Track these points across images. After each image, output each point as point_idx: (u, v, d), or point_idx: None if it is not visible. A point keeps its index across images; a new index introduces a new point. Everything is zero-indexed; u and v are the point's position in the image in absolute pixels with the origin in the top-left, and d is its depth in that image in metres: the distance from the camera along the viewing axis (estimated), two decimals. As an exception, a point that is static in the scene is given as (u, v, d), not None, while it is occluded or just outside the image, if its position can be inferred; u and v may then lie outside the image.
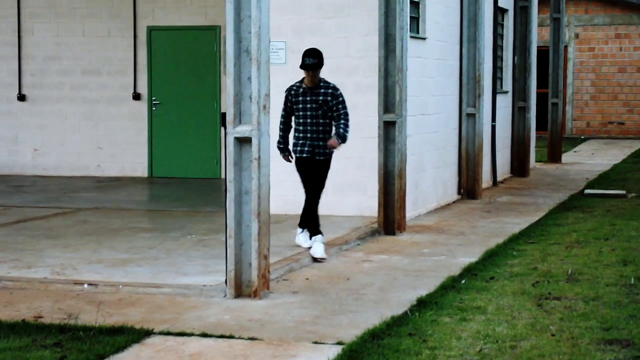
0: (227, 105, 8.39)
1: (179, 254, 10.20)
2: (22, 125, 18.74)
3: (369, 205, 12.59)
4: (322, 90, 10.01)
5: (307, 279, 9.20)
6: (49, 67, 18.60)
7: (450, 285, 8.82)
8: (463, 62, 15.68)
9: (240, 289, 8.36)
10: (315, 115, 10.03)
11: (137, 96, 18.18)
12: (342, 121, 10.00)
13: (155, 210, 14.22)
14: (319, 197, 10.32)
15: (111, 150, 18.37)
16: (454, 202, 15.36)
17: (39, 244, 10.74)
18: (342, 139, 10.00)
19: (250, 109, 8.31)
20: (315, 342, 6.95)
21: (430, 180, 14.33)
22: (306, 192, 10.27)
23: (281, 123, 10.26)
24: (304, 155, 10.11)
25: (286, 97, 10.13)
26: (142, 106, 18.21)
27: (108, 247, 10.56)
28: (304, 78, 10.07)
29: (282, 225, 11.68)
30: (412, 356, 6.55)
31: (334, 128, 10.10)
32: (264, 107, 8.33)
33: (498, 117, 17.97)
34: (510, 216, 13.70)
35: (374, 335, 7.03)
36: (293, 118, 10.21)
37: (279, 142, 10.23)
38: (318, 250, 10.05)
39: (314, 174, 10.17)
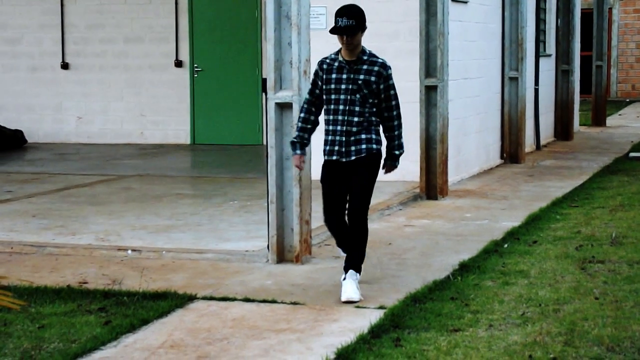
0: (268, 71, 8.39)
1: (222, 220, 10.24)
2: (66, 94, 18.86)
3: (410, 170, 12.55)
4: (365, 67, 7.06)
5: (349, 244, 9.19)
6: (92, 35, 18.67)
7: (493, 250, 8.79)
8: (505, 26, 15.53)
9: (282, 254, 8.39)
10: (350, 100, 7.06)
11: (179, 63, 18.21)
12: (396, 122, 7.20)
13: (197, 176, 14.28)
14: (364, 219, 7.21)
15: (154, 117, 18.44)
16: (496, 166, 15.27)
17: (83, 211, 10.83)
18: (399, 157, 7.32)
19: (290, 74, 8.30)
20: (358, 307, 6.96)
21: (472, 144, 14.25)
22: (336, 213, 7.28)
23: (303, 109, 7.30)
24: (333, 157, 7.16)
25: (316, 73, 7.21)
26: (184, 73, 18.25)
27: (151, 214, 10.62)
28: (340, 49, 7.19)
29: (324, 191, 11.66)
30: (455, 320, 6.54)
31: (383, 136, 7.25)
32: (305, 72, 8.32)
33: (541, 80, 17.80)
34: (553, 180, 13.60)
35: (415, 299, 7.03)
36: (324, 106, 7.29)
37: (294, 137, 7.36)
38: (348, 289, 7.14)
39: (350, 183, 7.17)
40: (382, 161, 7.21)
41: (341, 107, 7.10)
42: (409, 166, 12.61)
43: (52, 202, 11.59)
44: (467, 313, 6.70)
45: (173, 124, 18.33)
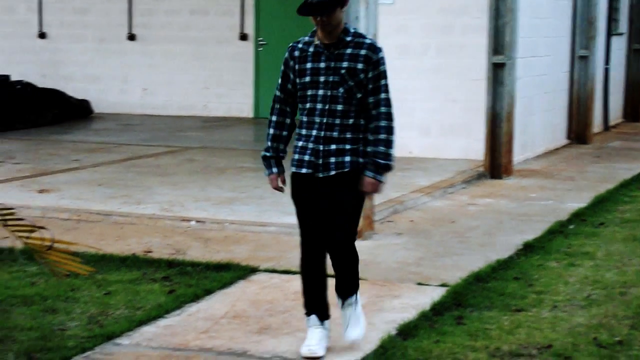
0: (335, 45, 8.35)
1: (285, 193, 10.23)
2: (132, 65, 19.00)
3: (475, 149, 12.46)
4: (350, 51, 5.36)
5: (411, 220, 9.18)
6: (158, 6, 18.77)
7: (558, 230, 8.70)
8: (577, 3, 15.29)
9: (345, 229, 8.37)
10: (332, 97, 5.36)
11: (243, 36, 18.24)
12: (383, 122, 5.41)
13: (260, 150, 14.27)
14: (351, 249, 5.55)
15: (217, 90, 18.51)
16: (563, 146, 15.09)
17: (147, 181, 10.92)
18: (385, 169, 5.48)
19: (357, 49, 8.26)
20: (419, 284, 6.95)
21: (538, 124, 14.09)
22: (310, 244, 5.56)
23: (273, 111, 5.59)
24: (303, 170, 5.46)
25: (286, 62, 5.54)
26: (249, 46, 18.26)
27: (214, 186, 10.68)
28: (315, 30, 5.46)
29: (387, 167, 11.62)
30: (518, 300, 6.49)
31: (368, 143, 5.46)
32: (372, 47, 8.27)
33: (612, 59, 17.52)
34: (621, 162, 13.41)
35: (478, 278, 6.99)
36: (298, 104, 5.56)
37: (266, 150, 5.72)
38: (355, 331, 5.61)
39: (327, 206, 5.45)
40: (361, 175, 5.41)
41: (319, 106, 5.35)
42: (474, 144, 12.53)
43: (118, 171, 11.70)
44: (530, 293, 6.65)
45: (236, 97, 18.39)
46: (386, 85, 5.39)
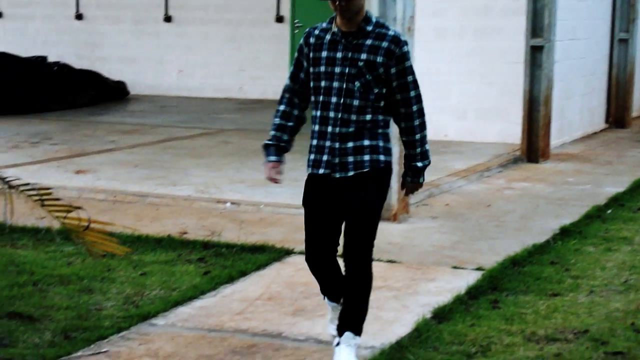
0: (371, 27, 8.31)
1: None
2: (168, 47, 19.04)
3: (512, 132, 12.38)
4: (370, 42, 4.85)
5: (447, 204, 9.14)
6: (195, -11, 18.79)
7: (595, 215, 8.63)
8: (617, -15, 15.14)
9: (381, 212, 8.35)
10: (347, 90, 4.86)
11: (279, 19, 18.22)
12: (417, 121, 4.98)
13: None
14: (368, 262, 5.05)
15: (253, 72, 18.51)
16: (601, 130, 14.96)
17: (183, 163, 10.95)
18: (424, 170, 5.18)
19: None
20: (455, 267, 6.92)
21: (576, 107, 13.98)
22: (322, 251, 5.07)
23: (282, 100, 5.14)
24: (321, 171, 4.97)
25: (300, 49, 5.06)
26: (284, 29, 18.24)
27: (250, 168, 10.69)
28: (334, 17, 4.96)
29: (423, 150, 11.57)
30: (554, 284, 6.45)
31: (404, 144, 5.07)
32: (409, 29, 8.23)
33: (651, 43, 17.33)
34: (659, 147, 13.29)
35: (514, 262, 6.95)
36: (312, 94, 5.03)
37: (268, 139, 5.24)
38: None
39: (347, 209, 4.95)
40: (401, 178, 5.21)
41: (334, 99, 4.86)
42: (511, 128, 12.45)
43: (154, 153, 11.75)
44: (567, 278, 6.61)
45: (272, 80, 18.36)
46: (415, 82, 4.88)
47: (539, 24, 11.54)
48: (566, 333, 5.50)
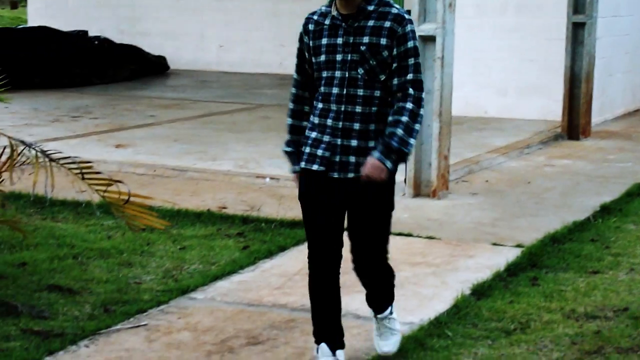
0: (412, 3, 8.28)
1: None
2: (208, 22, 19.06)
3: (552, 109, 12.28)
4: (372, 23, 4.40)
5: (486, 181, 9.10)
6: (235, -36, 18.77)
7: (636, 193, 8.55)
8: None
9: (419, 189, 8.34)
10: (350, 79, 4.41)
11: (320, -6, 18.16)
12: (410, 105, 4.34)
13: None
14: (385, 264, 4.76)
15: (293, 48, 18.31)
16: (642, 108, 14.82)
17: (223, 138, 10.98)
18: (397, 155, 4.36)
19: (435, 6, 8.17)
20: (494, 244, 6.89)
21: (618, 85, 13.83)
22: (322, 257, 4.60)
23: (292, 97, 4.67)
24: (314, 167, 4.49)
25: (300, 38, 4.63)
26: (325, 3, 18.17)
27: (289, 143, 10.68)
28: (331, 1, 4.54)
29: (463, 127, 11.54)
30: (594, 262, 6.41)
31: (388, 124, 4.38)
32: (450, 5, 8.18)
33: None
34: (702, 124, 13.13)
35: (554, 240, 6.91)
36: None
37: (287, 144, 4.74)
38: (387, 345, 4.84)
39: (351, 216, 4.55)
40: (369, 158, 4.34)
41: (335, 90, 4.38)
42: (551, 105, 12.35)
43: (193, 127, 11.79)
44: (607, 255, 6.56)
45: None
46: (417, 65, 4.33)
47: (580, 0, 11.42)
48: (606, 311, 5.47)
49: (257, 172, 9.08)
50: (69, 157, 5.46)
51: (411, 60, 4.34)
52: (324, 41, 4.43)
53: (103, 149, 10.12)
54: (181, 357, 4.80)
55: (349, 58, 4.37)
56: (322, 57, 4.43)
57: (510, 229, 7.32)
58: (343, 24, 4.39)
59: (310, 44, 4.48)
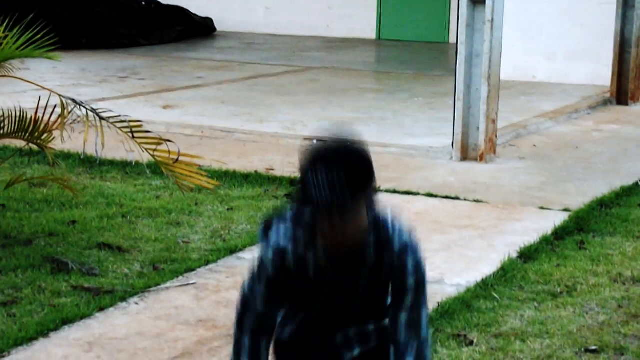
0: (462, -36, 8.22)
1: (406, 115, 10.21)
2: (255, -16, 19.02)
3: (601, 74, 12.15)
4: (371, 261, 2.99)
5: (534, 145, 9.05)
6: None
7: (686, 159, 8.48)
8: None
9: (467, 152, 8.32)
10: (341, 317, 3.11)
11: (367, -43, 18.06)
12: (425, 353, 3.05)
13: (382, 72, 14.26)
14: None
15: (340, 11, 18.41)
16: (693, 73, 14.61)
17: (270, 100, 11.00)
18: None
19: (485, -32, 8.12)
20: (541, 208, 6.87)
21: (669, 49, 13.64)
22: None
23: (243, 327, 3.14)
24: None
25: (268, 271, 3.01)
26: (372, -33, 18.09)
27: (336, 106, 10.70)
28: (313, 227, 2.92)
29: (510, 92, 11.45)
30: (642, 227, 6.38)
31: None
32: (499, -33, 8.11)
33: None
34: None
35: (602, 204, 6.88)
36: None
37: None
38: None
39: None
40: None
41: (323, 325, 3.10)
42: (600, 70, 12.22)
43: (241, 89, 11.82)
44: (655, 220, 6.52)
45: (359, 19, 18.27)
46: (426, 297, 3.06)
47: (633, -38, 11.27)
48: (654, 276, 5.44)
49: (304, 134, 9.09)
50: (119, 115, 5.52)
51: (423, 295, 3.05)
52: (307, 278, 3.00)
53: (150, 110, 10.18)
54: (230, 315, 4.84)
55: (341, 296, 3.05)
56: (304, 294, 3.08)
57: (558, 193, 7.29)
58: (331, 267, 2.98)
59: (286, 279, 3.01)
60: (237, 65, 14.04)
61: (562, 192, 7.33)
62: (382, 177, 7.58)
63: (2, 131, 5.71)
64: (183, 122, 9.51)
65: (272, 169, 7.81)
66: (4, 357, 4.31)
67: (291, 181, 7.38)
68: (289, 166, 7.90)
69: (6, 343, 4.42)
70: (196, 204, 6.74)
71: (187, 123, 9.48)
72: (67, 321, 4.70)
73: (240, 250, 5.85)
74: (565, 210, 6.75)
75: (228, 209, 6.66)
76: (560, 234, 6.16)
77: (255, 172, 7.63)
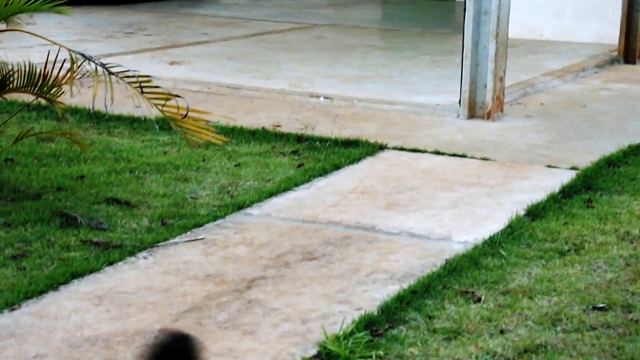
0: None
1: (413, 73, 10.19)
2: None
3: (609, 33, 12.09)
4: None
5: (541, 103, 9.03)
6: None
7: (694, 118, 8.46)
8: None
9: (474, 110, 8.30)
10: None
11: None
12: None
13: (388, 29, 14.19)
14: None
15: (347, -33, 18.29)
16: (701, 33, 14.53)
17: (276, 57, 10.97)
18: None
19: None
20: (549, 166, 6.86)
21: (677, 8, 13.56)
22: None
23: None
24: None
25: None
26: None
27: (343, 63, 10.67)
28: None
29: (518, 50, 11.41)
30: (650, 186, 6.37)
31: None
32: None
33: None
34: None
35: (609, 162, 6.87)
36: None
37: None
38: None
39: None
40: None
41: None
42: (607, 28, 12.16)
43: (247, 46, 11.78)
44: (663, 179, 6.52)
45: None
46: None
47: None
48: (661, 234, 5.45)
49: (311, 91, 9.08)
50: (128, 70, 5.51)
51: None
52: None
53: (157, 66, 10.16)
54: (238, 270, 4.88)
55: None
56: None
57: (565, 151, 7.29)
58: None
59: None
60: (243, 22, 13.98)
61: (570, 150, 7.32)
62: (390, 134, 7.60)
63: (11, 85, 5.70)
64: (190, 79, 9.49)
65: (279, 126, 7.80)
66: (14, 309, 4.34)
67: (297, 138, 7.38)
68: (295, 123, 7.90)
69: (17, 296, 4.44)
70: (203, 160, 6.74)
71: (194, 79, 9.46)
72: (77, 275, 4.71)
73: (248, 206, 5.85)
74: (573, 168, 6.75)
75: (235, 165, 6.67)
76: (567, 192, 6.16)
77: (262, 128, 7.62)
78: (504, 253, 5.11)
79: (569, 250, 5.18)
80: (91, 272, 4.78)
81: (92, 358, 3.91)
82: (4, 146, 6.14)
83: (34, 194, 5.88)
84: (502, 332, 4.20)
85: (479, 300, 4.53)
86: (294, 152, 7.03)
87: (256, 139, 7.35)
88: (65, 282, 4.64)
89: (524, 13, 12.14)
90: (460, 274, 4.82)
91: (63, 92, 5.75)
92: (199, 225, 5.51)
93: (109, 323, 4.24)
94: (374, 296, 4.56)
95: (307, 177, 6.44)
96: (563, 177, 6.47)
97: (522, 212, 5.75)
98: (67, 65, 5.64)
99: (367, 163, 6.85)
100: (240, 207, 5.83)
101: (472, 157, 7.04)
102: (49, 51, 5.79)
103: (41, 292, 4.51)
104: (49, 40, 5.84)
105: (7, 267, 4.81)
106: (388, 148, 7.22)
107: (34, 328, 4.17)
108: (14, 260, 4.90)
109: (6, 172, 6.27)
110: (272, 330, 4.20)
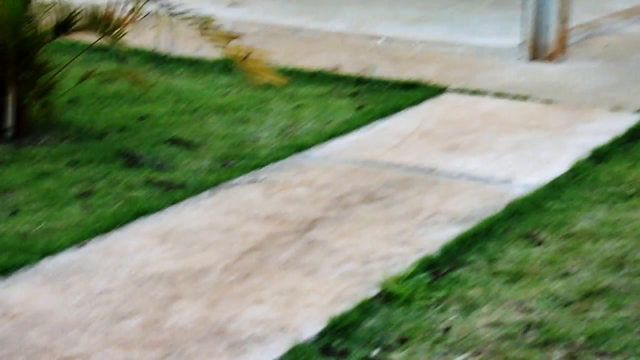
0: None
1: (474, 14, 10.05)
2: None
3: (676, -27, 11.82)
4: None
5: (606, 45, 8.87)
6: None
7: None
8: None
9: (536, 52, 8.18)
10: None
11: None
12: None
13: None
14: None
15: None
16: None
17: (335, -1, 10.89)
18: None
19: None
20: (613, 109, 6.75)
21: None
22: None
23: None
24: None
25: None
26: None
27: (403, 5, 10.55)
28: None
29: (581, -9, 11.20)
30: None
31: None
32: None
33: None
34: None
35: (676, 106, 6.76)
36: None
37: None
38: None
39: None
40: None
41: None
42: (675, -32, 11.88)
43: (306, -12, 11.69)
44: None
45: None
46: None
47: None
48: None
49: (370, 33, 9.01)
50: (189, 10, 5.51)
51: None
52: None
53: (216, 7, 10.08)
54: (299, 210, 4.89)
55: None
56: None
57: (630, 94, 7.16)
58: None
59: None
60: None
61: (635, 93, 7.20)
62: (450, 76, 7.54)
63: (75, 25, 5.73)
64: (248, 20, 9.45)
65: (338, 68, 7.76)
66: (82, 246, 4.40)
67: (357, 80, 7.34)
68: (355, 65, 7.86)
69: (83, 233, 4.50)
70: (263, 102, 6.75)
71: (253, 21, 9.43)
72: (140, 214, 4.76)
73: (308, 148, 5.85)
74: (638, 111, 6.64)
75: (295, 107, 6.66)
76: (633, 135, 6.07)
77: (322, 70, 7.59)
78: (567, 196, 5.05)
79: (633, 194, 5.11)
80: (154, 211, 4.83)
81: (156, 295, 3.97)
82: (68, 87, 6.19)
83: (98, 133, 5.94)
84: (564, 275, 4.18)
85: (541, 243, 4.51)
86: (354, 94, 7.00)
87: (315, 80, 7.33)
88: (130, 221, 4.69)
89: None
90: (522, 217, 4.79)
91: (126, 32, 5.77)
92: (259, 166, 5.53)
93: (172, 261, 4.29)
94: (435, 238, 4.55)
95: (367, 119, 6.41)
96: (628, 120, 6.38)
97: (585, 156, 5.68)
98: (129, 6, 5.66)
99: (427, 105, 6.80)
100: (300, 148, 5.83)
101: (534, 100, 6.96)
102: (111, -8, 5.81)
103: (107, 230, 4.57)
104: (112, -18, 5.85)
105: (73, 205, 4.88)
106: (448, 90, 7.16)
107: (101, 264, 4.24)
108: (79, 198, 4.97)
109: (70, 113, 6.34)
110: (333, 270, 4.22)
